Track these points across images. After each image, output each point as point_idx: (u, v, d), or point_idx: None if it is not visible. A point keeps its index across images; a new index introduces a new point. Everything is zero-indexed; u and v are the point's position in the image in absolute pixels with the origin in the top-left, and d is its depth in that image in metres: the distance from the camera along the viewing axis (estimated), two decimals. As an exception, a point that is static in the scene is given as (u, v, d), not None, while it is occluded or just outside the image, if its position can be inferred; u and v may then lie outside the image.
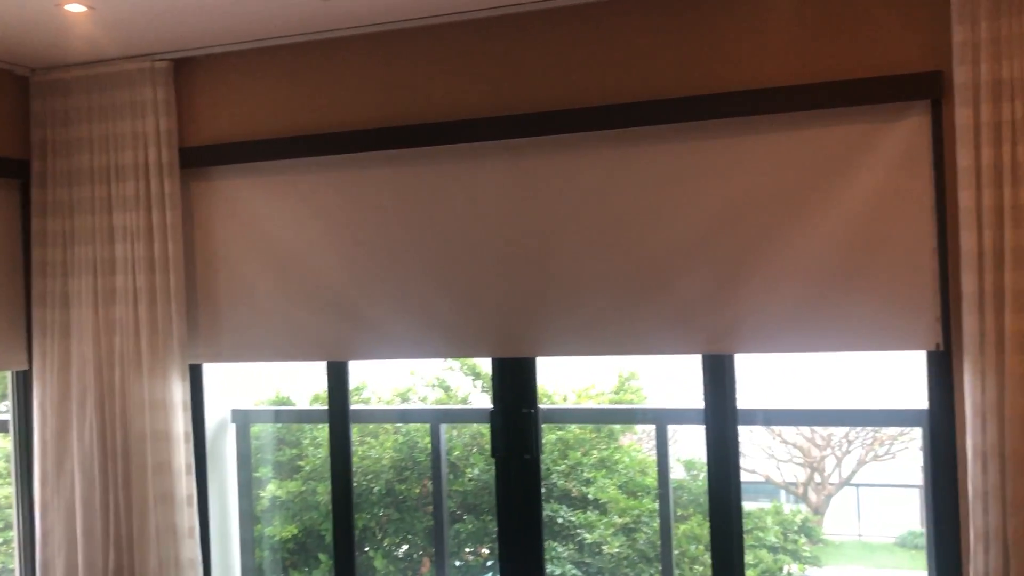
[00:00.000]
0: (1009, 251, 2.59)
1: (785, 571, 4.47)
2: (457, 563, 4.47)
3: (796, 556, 4.63)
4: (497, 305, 3.34)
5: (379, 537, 4.83)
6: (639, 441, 5.13)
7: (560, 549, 4.43)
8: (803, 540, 4.82)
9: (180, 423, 3.55)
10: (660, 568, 3.98)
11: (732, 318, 3.03)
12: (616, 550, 4.24)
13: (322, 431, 4.49)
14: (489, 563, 4.75)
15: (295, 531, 4.66)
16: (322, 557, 4.64)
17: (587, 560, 4.33)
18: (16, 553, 3.88)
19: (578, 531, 4.38)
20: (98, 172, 3.59)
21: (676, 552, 4.11)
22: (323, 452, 4.63)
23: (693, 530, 4.24)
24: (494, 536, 4.27)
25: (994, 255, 2.60)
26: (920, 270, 2.81)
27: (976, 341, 2.62)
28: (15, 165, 3.70)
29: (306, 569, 4.72)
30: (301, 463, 4.82)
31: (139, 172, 3.54)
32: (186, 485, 3.54)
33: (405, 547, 4.85)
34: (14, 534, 3.88)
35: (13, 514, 3.86)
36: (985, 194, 2.61)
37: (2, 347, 3.69)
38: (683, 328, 3.10)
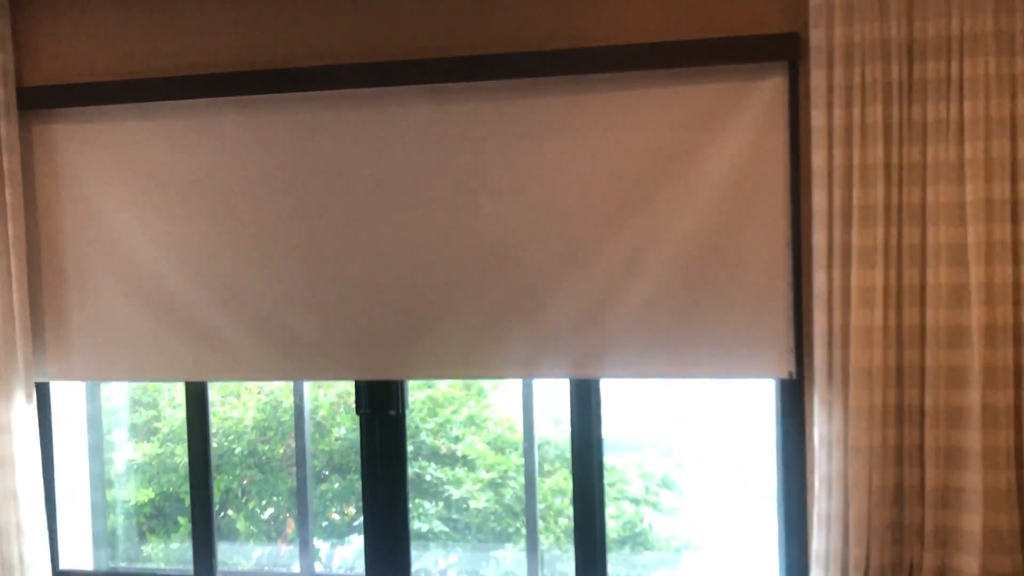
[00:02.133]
0: (857, 209, 2.70)
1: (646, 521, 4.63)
2: (324, 523, 4.41)
3: (657, 507, 4.79)
4: (362, 320, 3.25)
5: (242, 499, 4.71)
6: (507, 397, 5.17)
7: (428, 506, 4.43)
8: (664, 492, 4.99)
9: (20, 386, 3.34)
10: (525, 520, 4.06)
11: (597, 342, 3.08)
12: (483, 505, 4.28)
13: (180, 391, 4.33)
14: (356, 523, 4.71)
15: (152, 495, 4.49)
16: (182, 520, 4.49)
17: (454, 516, 4.35)
18: None
19: (445, 487, 4.39)
20: (-75, 111, 3.31)
21: (541, 506, 4.18)
22: (181, 413, 4.46)
23: (558, 484, 4.32)
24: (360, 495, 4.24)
25: (843, 215, 2.72)
26: (775, 288, 2.94)
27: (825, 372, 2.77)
28: None
29: (164, 533, 4.56)
30: (158, 425, 4.63)
31: (-28, 112, 3.28)
32: (18, 445, 3.35)
33: (270, 510, 4.75)
34: None
35: None
36: (836, 154, 2.71)
37: None
38: (551, 353, 3.12)
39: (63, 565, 3.61)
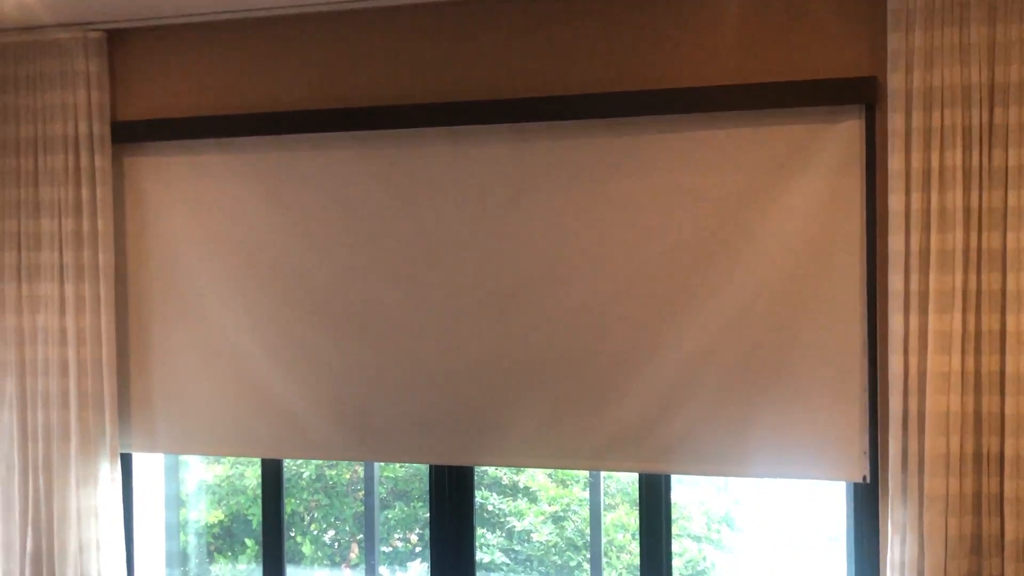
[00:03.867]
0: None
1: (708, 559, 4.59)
2: (386, 549, 4.46)
3: (718, 546, 4.75)
4: (432, 406, 3.28)
5: (306, 522, 4.79)
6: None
7: (489, 536, 4.46)
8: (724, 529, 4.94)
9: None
10: (588, 555, 4.05)
11: (666, 436, 3.07)
12: (545, 538, 4.29)
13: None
14: (418, 549, 4.76)
15: (221, 516, 4.59)
16: (248, 542, 4.59)
17: (516, 547, 4.37)
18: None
19: (507, 518, 4.42)
20: (25, 143, 3.47)
21: (604, 540, 4.18)
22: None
23: (620, 519, 4.31)
24: (423, 523, 4.29)
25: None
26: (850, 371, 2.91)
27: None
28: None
29: (231, 554, 4.65)
30: (229, 447, 4.73)
31: (68, 145, 3.44)
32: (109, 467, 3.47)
33: (332, 532, 4.82)
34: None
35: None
36: (914, 198, 2.70)
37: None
38: (620, 447, 3.12)
39: (137, 582, 3.72)
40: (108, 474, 3.46)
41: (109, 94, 3.47)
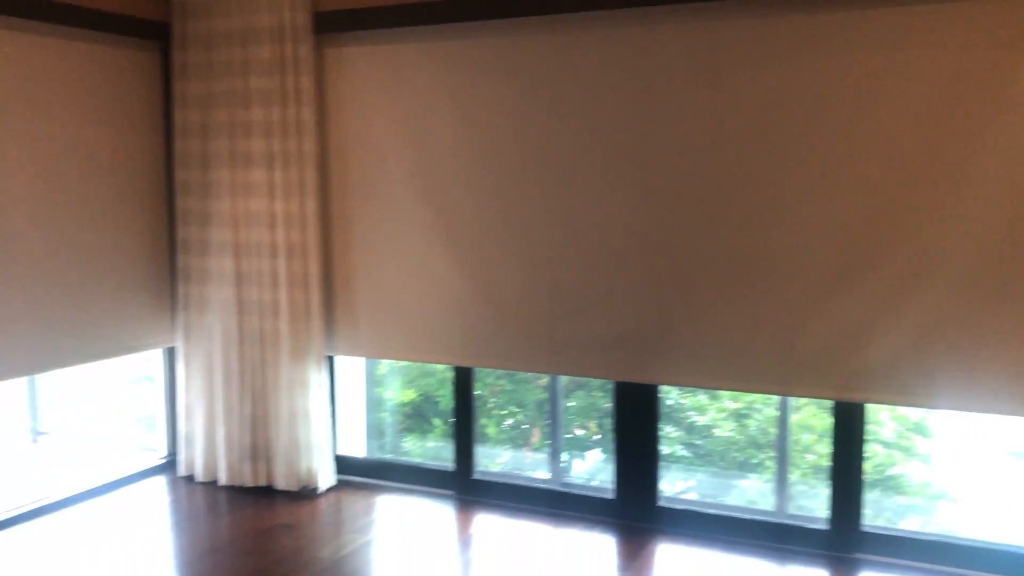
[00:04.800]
0: None
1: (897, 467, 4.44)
2: (566, 435, 4.57)
3: (910, 453, 4.57)
4: (619, 322, 3.28)
5: (489, 406, 4.97)
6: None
7: (669, 429, 4.48)
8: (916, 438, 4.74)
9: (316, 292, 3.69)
10: (771, 454, 4.01)
11: (869, 362, 2.93)
12: (728, 433, 4.27)
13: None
14: (596, 438, 4.85)
15: (412, 396, 4.83)
16: (436, 422, 4.82)
17: (696, 441, 4.38)
18: (163, 429, 4.17)
19: (688, 413, 4.41)
20: (235, 36, 3.63)
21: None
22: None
23: (806, 420, 4.21)
24: (603, 412, 4.35)
25: None
26: None
27: None
28: (156, 27, 3.77)
29: (420, 431, 4.91)
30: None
31: (274, 36, 3.57)
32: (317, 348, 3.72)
33: (511, 420, 4.98)
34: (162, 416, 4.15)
35: (161, 396, 4.13)
36: None
37: (147, 205, 3.86)
38: (814, 371, 3.02)
39: (339, 451, 4.01)
40: (318, 352, 3.71)
41: (311, -16, 3.57)
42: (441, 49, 3.44)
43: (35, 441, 4.86)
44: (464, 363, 3.62)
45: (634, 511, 3.46)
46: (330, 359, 3.87)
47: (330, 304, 3.77)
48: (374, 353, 3.79)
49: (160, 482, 3.94)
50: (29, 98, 3.34)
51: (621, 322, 3.27)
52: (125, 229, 3.76)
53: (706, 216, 3.10)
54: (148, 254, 3.87)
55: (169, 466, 4.09)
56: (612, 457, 3.51)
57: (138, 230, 3.82)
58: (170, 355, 4.07)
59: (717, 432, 4.33)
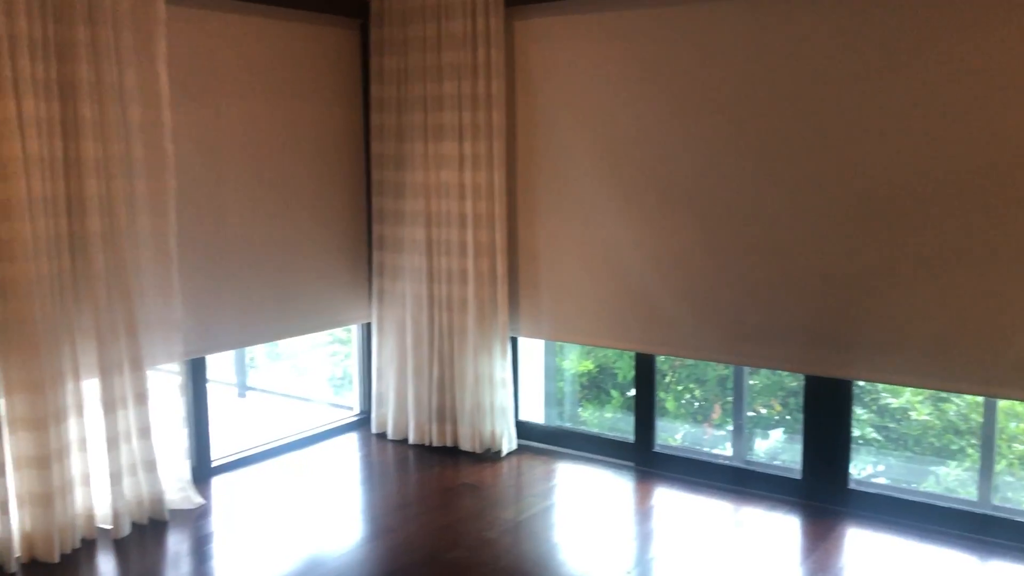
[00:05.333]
0: None
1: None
2: (749, 413, 4.48)
3: None
4: (807, 313, 3.15)
5: (667, 380, 4.94)
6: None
7: (859, 411, 4.30)
8: None
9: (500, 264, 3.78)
10: (973, 441, 3.77)
11: None
12: (924, 417, 4.05)
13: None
14: (777, 418, 4.72)
15: (590, 366, 4.87)
16: (614, 393, 4.83)
17: (888, 424, 4.17)
18: (357, 388, 4.40)
19: (881, 395, 4.21)
20: (429, 11, 3.74)
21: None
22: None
23: (1013, 407, 3.93)
24: (788, 391, 4.22)
25: None
26: None
27: None
28: (357, 5, 3.94)
29: (597, 402, 4.94)
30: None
31: (466, 10, 3.65)
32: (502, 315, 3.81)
33: (691, 394, 4.92)
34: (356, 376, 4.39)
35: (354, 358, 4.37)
36: None
37: (347, 177, 4.07)
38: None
39: (520, 416, 4.11)
40: (503, 321, 3.80)
41: (502, -42, 3.63)
42: (632, 17, 3.41)
43: (242, 396, 5.26)
44: (646, 350, 3.61)
45: (822, 493, 3.36)
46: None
47: (514, 274, 3.85)
48: (556, 335, 3.85)
49: (353, 438, 4.18)
50: (240, 77, 3.58)
51: (813, 312, 3.15)
52: (327, 201, 3.98)
53: (916, 198, 2.92)
54: (347, 226, 4.08)
55: (362, 423, 4.33)
56: (800, 437, 3.41)
57: (339, 202, 4.03)
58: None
59: (912, 415, 4.11)
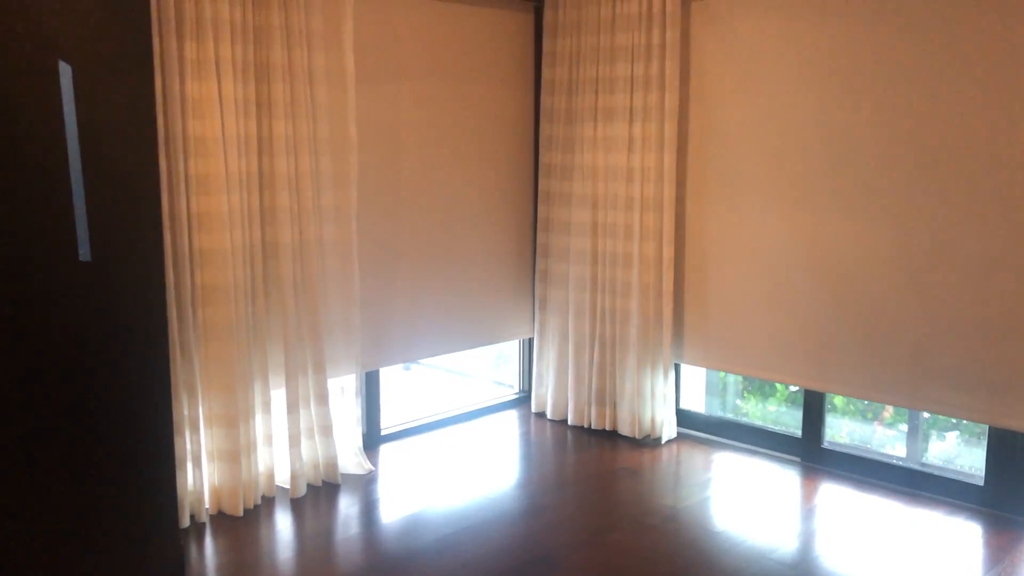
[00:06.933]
0: None
1: None
2: (924, 415, 4.26)
3: None
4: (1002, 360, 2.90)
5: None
6: None
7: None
8: None
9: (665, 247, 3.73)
10: None
11: None
12: None
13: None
14: (954, 420, 4.46)
15: (754, 357, 4.75)
16: (778, 386, 4.70)
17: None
18: (519, 367, 4.47)
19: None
20: (604, -7, 3.74)
21: None
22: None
23: None
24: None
25: None
26: None
27: None
28: (532, -11, 3.98)
29: (760, 394, 4.82)
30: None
31: (641, -9, 3.62)
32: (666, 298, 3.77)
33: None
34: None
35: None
36: None
37: (516, 159, 4.12)
38: None
39: (681, 405, 4.06)
40: (668, 306, 3.76)
41: (680, -62, 3.56)
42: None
43: (407, 369, 5.45)
44: (813, 387, 3.48)
45: (1008, 502, 3.15)
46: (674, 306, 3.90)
47: (679, 259, 3.80)
48: (719, 365, 3.77)
49: (513, 416, 4.25)
50: (420, 60, 3.68)
51: (1003, 355, 2.92)
52: (497, 184, 4.04)
53: None
54: (514, 207, 4.14)
55: (522, 401, 4.40)
56: (980, 441, 3.21)
57: (508, 184, 4.09)
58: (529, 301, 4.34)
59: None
